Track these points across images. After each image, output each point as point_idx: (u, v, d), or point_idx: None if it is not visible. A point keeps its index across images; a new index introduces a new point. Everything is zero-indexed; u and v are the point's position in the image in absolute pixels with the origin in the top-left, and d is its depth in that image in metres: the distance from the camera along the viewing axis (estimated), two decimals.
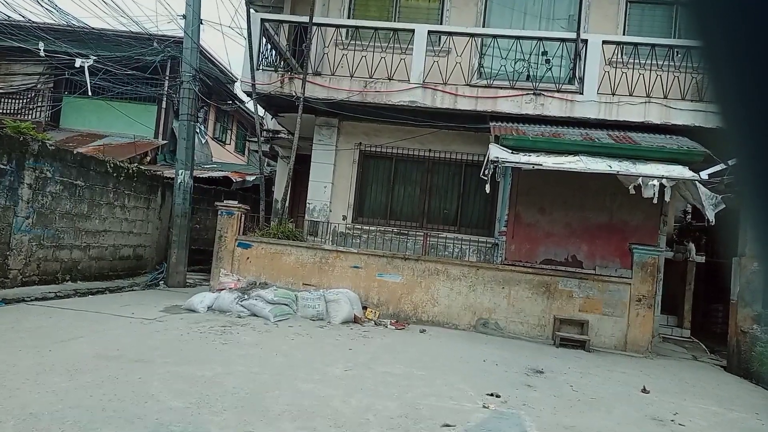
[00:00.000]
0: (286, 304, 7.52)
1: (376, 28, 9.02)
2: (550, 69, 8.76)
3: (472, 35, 8.92)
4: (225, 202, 9.03)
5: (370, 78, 8.89)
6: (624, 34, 9.34)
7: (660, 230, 8.79)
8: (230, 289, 7.99)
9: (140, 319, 6.63)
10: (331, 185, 9.89)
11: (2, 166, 7.34)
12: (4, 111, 14.40)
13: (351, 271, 8.30)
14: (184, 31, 10.32)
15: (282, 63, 9.78)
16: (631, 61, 8.50)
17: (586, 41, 8.60)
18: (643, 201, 7.40)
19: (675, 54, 8.45)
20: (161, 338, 5.67)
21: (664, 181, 7.08)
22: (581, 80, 8.62)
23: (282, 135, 11.80)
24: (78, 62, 11.53)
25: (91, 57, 11.71)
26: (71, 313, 6.69)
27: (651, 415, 4.55)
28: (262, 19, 9.23)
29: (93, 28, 12.27)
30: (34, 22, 11.62)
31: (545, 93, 8.59)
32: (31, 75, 14.46)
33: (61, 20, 11.21)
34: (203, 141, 16.50)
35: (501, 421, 3.95)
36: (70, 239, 8.80)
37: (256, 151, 11.47)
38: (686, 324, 9.88)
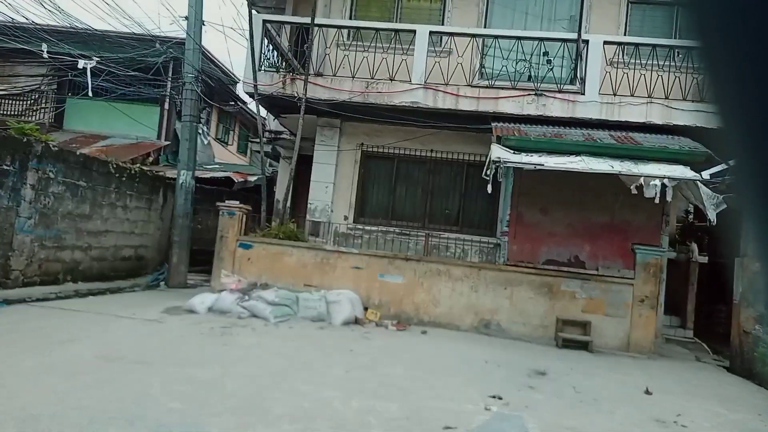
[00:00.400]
0: (287, 305, 7.51)
1: (377, 29, 9.02)
2: (552, 69, 8.75)
3: (473, 36, 8.91)
4: (226, 202, 9.02)
5: (372, 79, 8.89)
6: (625, 35, 9.32)
7: (662, 230, 8.77)
8: (231, 290, 7.99)
9: (141, 320, 6.64)
10: (332, 185, 9.89)
11: (6, 167, 7.36)
12: (9, 112, 14.45)
13: (352, 272, 8.29)
14: (186, 33, 10.34)
15: (284, 64, 9.79)
16: (633, 61, 8.49)
17: (587, 42, 8.59)
18: (645, 201, 7.37)
19: (676, 54, 8.43)
20: (162, 339, 5.67)
21: (665, 181, 7.06)
22: (583, 81, 8.61)
23: (284, 136, 11.80)
24: (81, 63, 11.56)
25: (94, 58, 11.74)
26: (72, 313, 6.70)
27: (653, 416, 4.53)
28: (264, 20, 9.24)
29: (96, 30, 12.30)
30: (37, 24, 11.66)
31: (547, 93, 8.57)
32: (34, 77, 14.50)
33: (64, 22, 11.24)
34: (205, 142, 16.49)
35: (503, 423, 3.94)
36: (72, 240, 8.82)
37: (258, 152, 11.47)
38: (689, 325, 9.84)
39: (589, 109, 8.48)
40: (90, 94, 11.75)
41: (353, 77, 8.94)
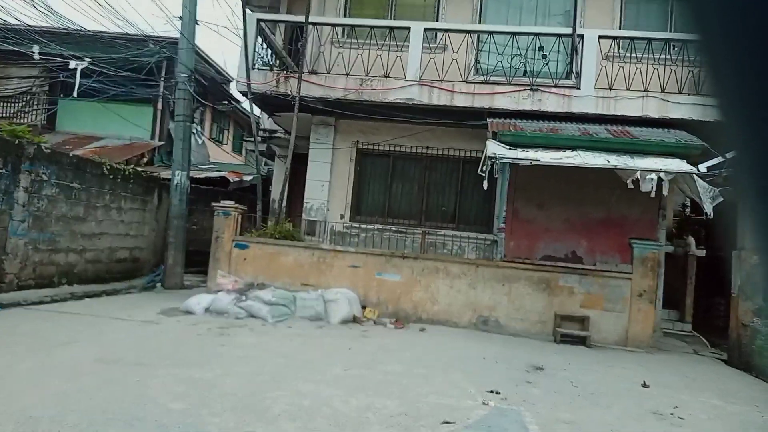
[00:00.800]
0: (285, 305, 7.49)
1: (372, 27, 8.99)
2: (547, 64, 8.74)
3: (468, 32, 8.89)
4: (222, 202, 8.99)
5: (367, 76, 8.86)
6: (620, 29, 9.31)
7: (659, 224, 8.78)
8: (228, 290, 7.97)
9: (138, 321, 6.61)
10: (328, 184, 9.86)
11: None
12: (0, 115, 14.34)
13: (349, 271, 8.28)
14: (180, 32, 10.28)
15: (278, 62, 9.75)
16: (628, 55, 8.49)
17: (582, 36, 8.57)
18: (642, 195, 7.38)
19: (671, 48, 8.44)
20: (159, 341, 5.65)
21: (662, 174, 7.07)
22: (578, 75, 8.60)
23: (279, 134, 11.76)
24: (72, 64, 11.48)
25: (86, 59, 11.66)
26: (68, 316, 6.66)
27: (651, 409, 4.55)
28: (258, 19, 9.19)
29: (88, 31, 12.21)
30: (29, 25, 11.56)
31: (542, 88, 8.56)
32: (26, 78, 14.40)
33: (56, 23, 11.16)
34: (200, 141, 16.46)
35: (501, 418, 3.94)
36: (67, 242, 8.77)
37: (253, 151, 11.44)
38: (687, 318, 9.88)
39: (585, 104, 8.48)
40: (75, 94, 11.66)
41: (348, 74, 8.91)
